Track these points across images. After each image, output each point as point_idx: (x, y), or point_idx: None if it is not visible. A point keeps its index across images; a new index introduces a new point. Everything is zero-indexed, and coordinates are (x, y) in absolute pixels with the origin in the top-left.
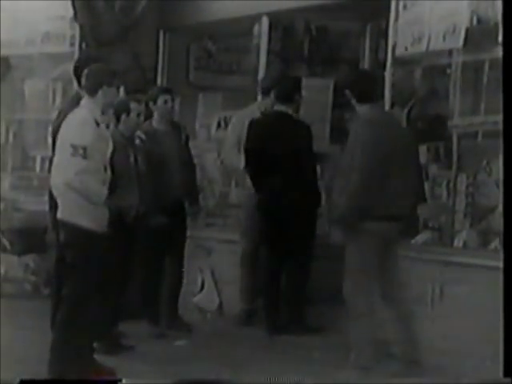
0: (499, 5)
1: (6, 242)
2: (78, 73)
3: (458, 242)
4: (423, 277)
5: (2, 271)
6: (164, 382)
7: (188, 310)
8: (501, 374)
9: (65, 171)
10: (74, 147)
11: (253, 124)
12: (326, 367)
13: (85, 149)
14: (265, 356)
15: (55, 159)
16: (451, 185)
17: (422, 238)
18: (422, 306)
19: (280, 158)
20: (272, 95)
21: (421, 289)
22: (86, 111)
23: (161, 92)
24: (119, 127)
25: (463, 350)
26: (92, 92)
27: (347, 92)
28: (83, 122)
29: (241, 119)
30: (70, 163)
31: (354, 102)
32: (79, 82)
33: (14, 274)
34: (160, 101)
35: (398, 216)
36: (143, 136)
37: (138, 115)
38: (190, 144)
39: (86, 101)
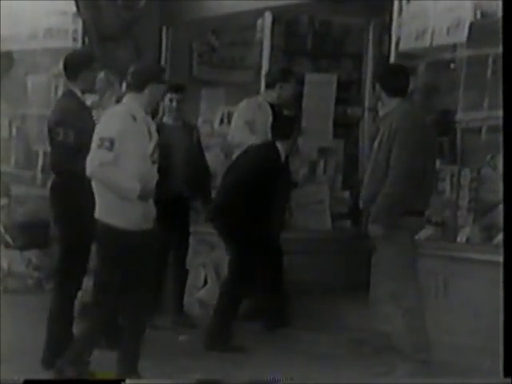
0: None
1: (8, 238)
2: (74, 69)
3: (461, 238)
4: (427, 272)
5: (5, 266)
6: (167, 382)
7: (191, 304)
8: (501, 374)
9: (90, 163)
10: (101, 139)
11: None
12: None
13: (111, 141)
14: (267, 350)
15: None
16: (455, 180)
17: (425, 233)
18: (426, 301)
19: None
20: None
21: (424, 284)
22: (124, 106)
23: (168, 90)
24: None
25: (466, 344)
26: (138, 89)
27: (377, 85)
28: (114, 116)
29: (248, 105)
30: (96, 155)
31: (383, 95)
32: (70, 78)
33: (16, 269)
34: (166, 98)
35: (423, 210)
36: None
37: None
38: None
39: (129, 97)
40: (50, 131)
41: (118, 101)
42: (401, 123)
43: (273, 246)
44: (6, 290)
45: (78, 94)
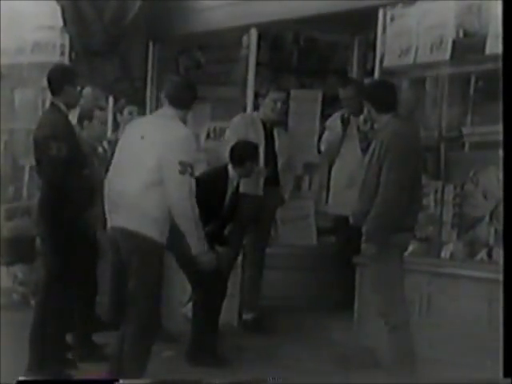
0: (485, 18)
1: None
2: (57, 84)
3: (445, 253)
4: (410, 287)
5: None
6: (161, 382)
7: (175, 320)
8: (501, 374)
9: (178, 190)
10: (182, 164)
11: None
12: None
13: (192, 167)
14: (251, 365)
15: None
16: (439, 195)
17: (409, 248)
18: (410, 316)
19: None
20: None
21: (408, 299)
22: (184, 127)
23: (128, 103)
24: (82, 133)
25: (449, 360)
26: (187, 107)
27: (365, 102)
28: (188, 138)
29: (241, 120)
30: (183, 181)
31: (373, 112)
32: (54, 93)
33: (2, 284)
34: (125, 112)
35: (412, 226)
36: (106, 145)
37: (102, 123)
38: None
39: (178, 115)
40: (38, 145)
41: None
42: (390, 141)
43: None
44: None
45: (62, 107)
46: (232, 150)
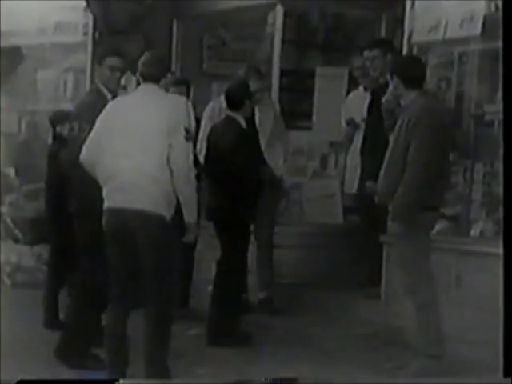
0: None
1: (18, 233)
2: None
3: (474, 231)
4: (439, 266)
5: (14, 261)
6: (161, 382)
7: (202, 298)
8: (501, 374)
9: (182, 156)
10: (187, 130)
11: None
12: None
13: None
14: (275, 345)
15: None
16: (468, 174)
17: (438, 227)
18: (439, 296)
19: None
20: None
21: (437, 278)
22: (177, 95)
23: (172, 84)
24: None
25: (478, 338)
26: (159, 80)
27: (394, 77)
28: (186, 104)
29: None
30: (187, 148)
31: (401, 88)
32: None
33: (26, 263)
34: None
35: (438, 206)
36: None
37: None
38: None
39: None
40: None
41: None
42: (418, 120)
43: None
44: (15, 284)
45: (103, 90)
46: (228, 94)
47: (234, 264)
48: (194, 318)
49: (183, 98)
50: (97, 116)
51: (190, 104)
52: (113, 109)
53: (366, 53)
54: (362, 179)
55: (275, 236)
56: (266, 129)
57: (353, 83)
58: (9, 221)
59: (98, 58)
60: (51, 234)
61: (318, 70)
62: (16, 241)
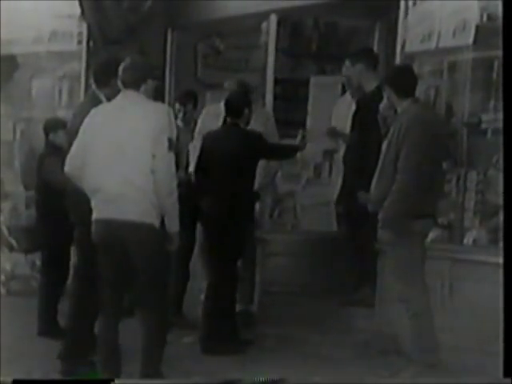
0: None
1: (12, 240)
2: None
3: (467, 240)
4: (432, 274)
5: (9, 269)
6: (157, 383)
7: (195, 306)
8: (501, 374)
9: (165, 165)
10: (170, 140)
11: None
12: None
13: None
14: (269, 351)
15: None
16: (461, 182)
17: (431, 235)
18: (432, 303)
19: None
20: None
21: (430, 286)
22: (159, 102)
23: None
24: None
25: (472, 347)
26: (139, 86)
27: (386, 87)
28: (169, 114)
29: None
30: (170, 158)
31: (393, 97)
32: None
33: (21, 271)
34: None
35: (433, 213)
36: None
37: None
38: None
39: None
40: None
41: None
42: (410, 126)
43: None
44: (9, 293)
45: (102, 98)
46: (227, 102)
47: (227, 271)
48: (188, 325)
49: (165, 106)
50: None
51: (171, 112)
52: (95, 118)
53: (347, 62)
54: (343, 188)
55: (269, 244)
56: None
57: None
58: (4, 229)
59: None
60: (43, 241)
61: (312, 79)
62: (11, 249)
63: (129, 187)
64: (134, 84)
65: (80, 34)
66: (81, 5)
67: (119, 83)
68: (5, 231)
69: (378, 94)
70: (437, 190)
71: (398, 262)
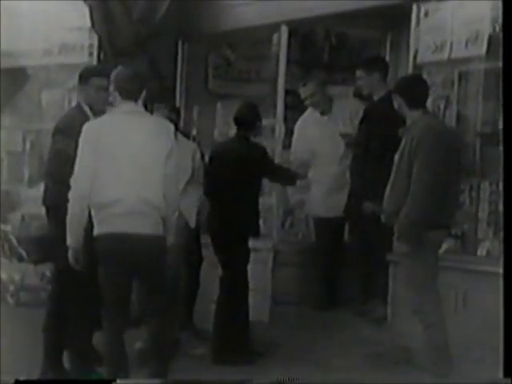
0: None
1: (22, 251)
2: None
3: (481, 251)
4: (446, 285)
5: (18, 279)
6: (157, 383)
7: (207, 317)
8: (501, 374)
9: (175, 180)
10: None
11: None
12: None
13: None
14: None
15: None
16: (474, 192)
17: (444, 246)
18: (445, 315)
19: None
20: None
21: (444, 297)
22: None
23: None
24: None
25: (485, 359)
26: (137, 98)
27: (397, 97)
28: (171, 129)
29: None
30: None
31: (403, 108)
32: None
33: (30, 282)
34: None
35: (447, 224)
36: None
37: None
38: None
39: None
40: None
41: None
42: (422, 139)
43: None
44: (18, 303)
45: (85, 108)
46: (239, 115)
47: (236, 280)
48: (199, 337)
49: (169, 123)
50: (77, 131)
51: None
52: (100, 132)
53: (360, 72)
54: (350, 198)
55: (280, 254)
56: None
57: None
58: (13, 239)
59: (83, 78)
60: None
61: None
62: (20, 259)
63: (143, 204)
64: (131, 94)
65: (91, 46)
66: (91, 17)
67: (115, 93)
68: (14, 242)
69: (386, 103)
70: (451, 201)
71: (411, 272)
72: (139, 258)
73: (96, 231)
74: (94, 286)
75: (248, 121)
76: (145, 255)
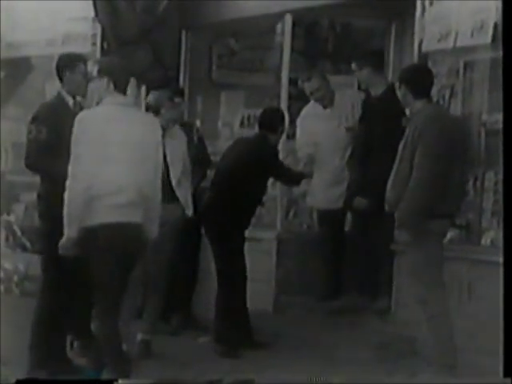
0: None
1: (26, 241)
2: (61, 71)
3: (485, 241)
4: (450, 275)
5: (22, 269)
6: (159, 382)
7: (210, 307)
8: (501, 374)
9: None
10: None
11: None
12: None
13: None
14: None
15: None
16: (479, 182)
17: (448, 235)
18: (450, 305)
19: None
20: None
21: (448, 287)
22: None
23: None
24: None
25: (489, 349)
26: (125, 91)
27: (402, 86)
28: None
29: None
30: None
31: (408, 97)
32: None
33: (34, 272)
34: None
35: (452, 213)
36: None
37: None
38: (212, 143)
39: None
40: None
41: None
42: (425, 128)
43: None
44: (23, 293)
45: (64, 94)
46: (265, 117)
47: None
48: (201, 326)
49: (156, 118)
50: (56, 120)
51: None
52: (95, 123)
53: (353, 66)
54: (348, 192)
55: (284, 244)
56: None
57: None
58: (17, 230)
59: (68, 66)
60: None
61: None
62: (24, 249)
63: (139, 195)
64: (124, 86)
65: (94, 35)
66: (94, 7)
67: (106, 84)
68: (18, 232)
69: (385, 99)
70: (454, 191)
71: (415, 262)
72: (133, 248)
73: (91, 222)
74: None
75: (271, 124)
76: (138, 243)
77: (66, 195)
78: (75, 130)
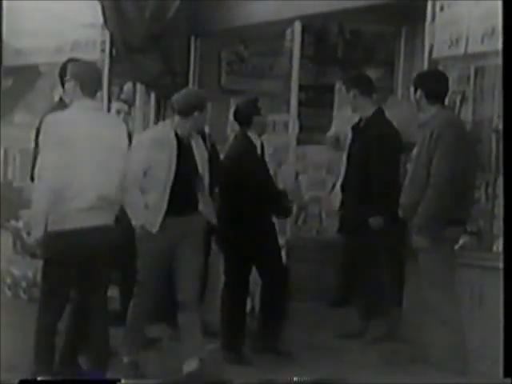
0: None
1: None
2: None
3: (497, 247)
4: (462, 281)
5: (31, 276)
6: (164, 382)
7: (217, 314)
8: (501, 374)
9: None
10: None
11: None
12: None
13: None
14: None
15: None
16: (490, 188)
17: (460, 242)
18: (461, 311)
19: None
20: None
21: (460, 293)
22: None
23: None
24: None
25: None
26: (95, 95)
27: (418, 91)
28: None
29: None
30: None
31: (423, 101)
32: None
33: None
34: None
35: (464, 220)
36: None
37: None
38: (221, 149)
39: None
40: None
41: None
42: (442, 133)
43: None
44: (31, 299)
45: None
46: (238, 111)
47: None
48: (209, 333)
49: (124, 123)
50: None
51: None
52: (62, 126)
53: (342, 88)
54: (342, 211)
55: (293, 250)
56: None
57: None
58: (25, 236)
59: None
60: None
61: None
62: (33, 256)
63: (104, 200)
64: (93, 91)
65: (103, 42)
66: (103, 14)
67: (75, 88)
68: (26, 238)
69: (375, 122)
70: (468, 197)
71: (427, 269)
72: (98, 252)
73: (55, 226)
74: None
75: (244, 116)
76: (107, 247)
77: (33, 196)
78: (42, 131)
